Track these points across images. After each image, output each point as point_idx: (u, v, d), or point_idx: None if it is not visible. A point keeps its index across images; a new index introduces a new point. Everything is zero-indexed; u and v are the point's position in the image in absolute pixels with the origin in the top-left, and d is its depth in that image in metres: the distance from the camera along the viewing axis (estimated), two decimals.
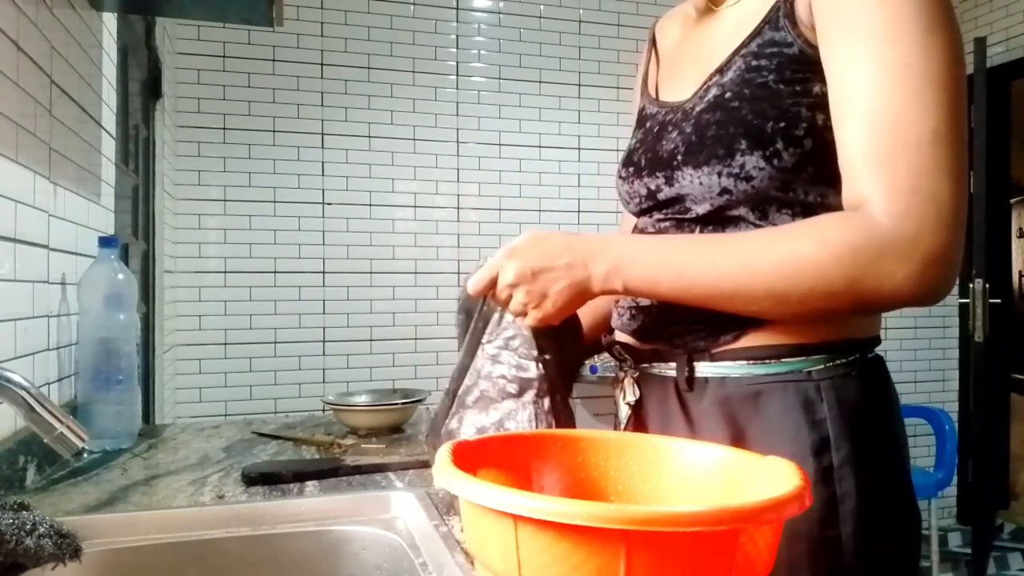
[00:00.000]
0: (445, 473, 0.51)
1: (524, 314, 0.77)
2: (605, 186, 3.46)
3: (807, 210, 0.74)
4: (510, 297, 0.77)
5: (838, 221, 0.68)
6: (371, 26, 3.16)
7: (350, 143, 3.13)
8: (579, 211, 3.44)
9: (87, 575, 0.78)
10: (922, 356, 3.85)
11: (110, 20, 1.60)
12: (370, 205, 3.16)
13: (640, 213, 0.90)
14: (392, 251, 3.18)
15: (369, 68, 3.15)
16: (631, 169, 0.89)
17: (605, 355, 0.93)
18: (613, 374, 0.92)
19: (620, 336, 0.91)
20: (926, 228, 0.64)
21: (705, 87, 0.80)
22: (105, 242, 1.26)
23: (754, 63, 0.75)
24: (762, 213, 0.76)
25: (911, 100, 0.65)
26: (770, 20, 0.75)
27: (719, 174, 0.75)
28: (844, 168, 0.69)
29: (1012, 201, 4.05)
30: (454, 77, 3.27)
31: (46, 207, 1.17)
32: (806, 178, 0.74)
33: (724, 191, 0.76)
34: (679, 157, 0.80)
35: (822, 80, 0.72)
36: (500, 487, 0.47)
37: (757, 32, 0.76)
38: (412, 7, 3.21)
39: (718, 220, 0.79)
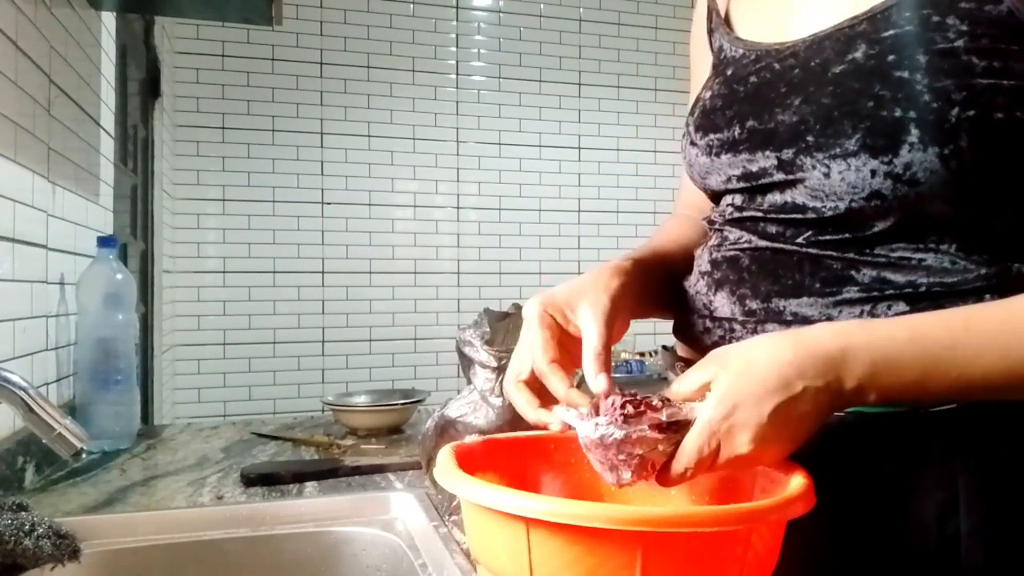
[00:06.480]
0: (451, 477, 0.50)
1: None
2: (605, 186, 3.46)
3: (964, 240, 0.55)
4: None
5: None
6: (371, 25, 3.16)
7: (349, 143, 3.13)
8: (579, 211, 3.44)
9: None
10: None
11: (109, 19, 1.60)
12: (369, 205, 3.16)
13: (725, 193, 0.69)
14: (392, 251, 3.18)
15: (368, 67, 3.15)
16: (716, 139, 0.66)
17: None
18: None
19: (687, 351, 0.71)
20: None
21: (844, 35, 0.59)
22: (104, 242, 1.26)
23: (934, 18, 0.54)
24: (905, 231, 0.56)
25: None
26: None
27: (873, 172, 0.55)
28: None
29: None
30: (454, 76, 3.27)
31: (45, 207, 1.17)
32: (979, 193, 0.55)
33: (874, 195, 0.55)
34: (809, 138, 0.58)
35: None
36: (511, 490, 0.47)
37: None
38: (412, 6, 3.21)
39: (844, 228, 0.58)
